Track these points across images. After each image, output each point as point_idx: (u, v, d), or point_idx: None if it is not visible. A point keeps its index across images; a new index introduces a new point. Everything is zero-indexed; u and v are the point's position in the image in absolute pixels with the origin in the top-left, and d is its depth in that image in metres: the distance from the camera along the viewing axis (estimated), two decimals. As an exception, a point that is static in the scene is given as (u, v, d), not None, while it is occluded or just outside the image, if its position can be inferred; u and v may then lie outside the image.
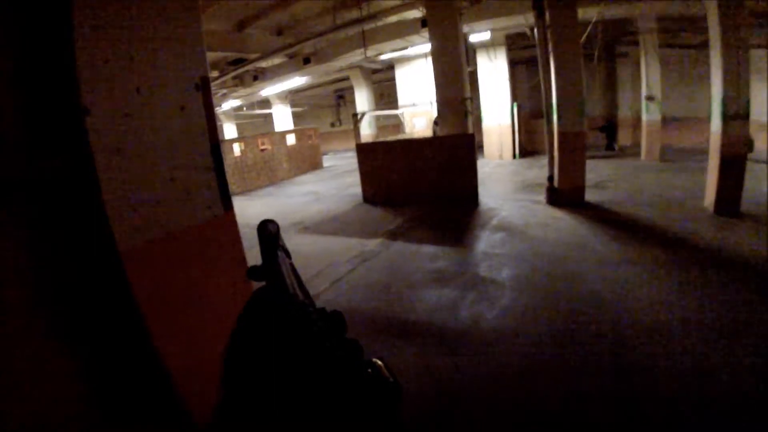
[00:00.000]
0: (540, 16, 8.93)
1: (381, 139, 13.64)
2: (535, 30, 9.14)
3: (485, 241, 7.15)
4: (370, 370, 0.51)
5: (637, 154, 14.74)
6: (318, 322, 0.56)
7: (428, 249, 7.04)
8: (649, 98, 13.58)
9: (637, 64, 16.76)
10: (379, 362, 0.52)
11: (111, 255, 2.15)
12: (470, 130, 10.02)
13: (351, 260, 6.79)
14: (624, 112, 19.07)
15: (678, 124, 16.30)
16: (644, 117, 13.80)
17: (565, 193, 9.21)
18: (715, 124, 7.56)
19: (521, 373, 3.63)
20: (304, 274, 6.07)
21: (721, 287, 4.80)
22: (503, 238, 7.24)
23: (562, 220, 8.09)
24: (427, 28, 11.08)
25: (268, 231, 0.79)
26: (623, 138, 18.17)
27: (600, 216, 8.07)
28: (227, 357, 0.55)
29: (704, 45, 15.19)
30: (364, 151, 11.26)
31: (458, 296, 5.19)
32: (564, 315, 4.51)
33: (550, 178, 9.47)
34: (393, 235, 8.03)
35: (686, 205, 8.20)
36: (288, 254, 0.80)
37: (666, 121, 14.62)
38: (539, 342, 4.05)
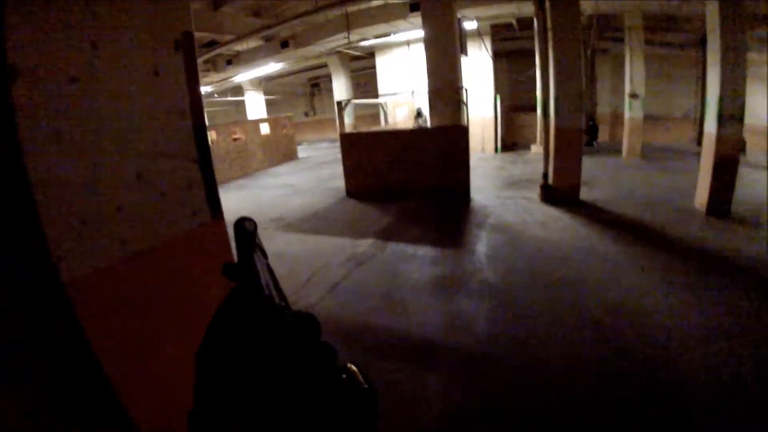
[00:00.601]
0: (540, 4, 8.42)
1: (361, 129, 12.95)
2: (535, 19, 8.71)
3: (485, 243, 6.63)
4: (344, 376, 0.52)
5: (617, 151, 14.66)
6: (293, 325, 0.56)
7: (426, 251, 6.46)
8: (633, 96, 13.51)
9: (617, 61, 16.77)
10: (353, 368, 0.54)
11: (54, 287, 1.47)
12: (464, 122, 9.44)
13: (344, 264, 6.13)
14: (602, 109, 18.94)
15: (654, 122, 16.24)
16: (627, 114, 13.70)
17: (559, 191, 8.85)
18: (710, 124, 7.45)
19: (572, 408, 3.07)
20: (294, 279, 5.58)
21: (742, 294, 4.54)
22: (503, 239, 6.77)
23: (560, 219, 7.71)
24: (416, 13, 10.49)
25: (245, 229, 0.79)
26: (601, 135, 17.99)
27: (597, 216, 7.77)
28: (201, 358, 0.55)
29: (685, 45, 15.59)
30: (349, 142, 10.55)
31: (470, 308, 4.65)
32: (590, 328, 4.09)
33: (545, 175, 9.09)
34: (385, 235, 7.41)
35: (678, 205, 8.05)
36: (264, 254, 0.79)
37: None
38: (579, 368, 3.51)
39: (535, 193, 9.48)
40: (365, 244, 6.93)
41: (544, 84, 8.83)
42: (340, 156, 10.68)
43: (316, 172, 15.56)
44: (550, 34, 8.39)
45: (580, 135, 8.70)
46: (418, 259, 6.13)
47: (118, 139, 1.65)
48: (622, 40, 14.32)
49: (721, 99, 7.04)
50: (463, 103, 9.30)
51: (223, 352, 0.55)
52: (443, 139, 9.37)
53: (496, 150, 16.55)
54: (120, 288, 1.67)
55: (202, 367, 0.55)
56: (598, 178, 10.62)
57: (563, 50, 8.33)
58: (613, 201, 8.58)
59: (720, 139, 7.17)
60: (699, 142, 15.28)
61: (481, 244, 6.56)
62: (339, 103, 10.96)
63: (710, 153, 7.37)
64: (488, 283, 5.21)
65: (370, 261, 6.16)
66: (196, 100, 1.91)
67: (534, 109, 16.56)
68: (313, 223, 8.61)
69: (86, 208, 1.54)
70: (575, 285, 5.01)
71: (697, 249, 5.91)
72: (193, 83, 1.89)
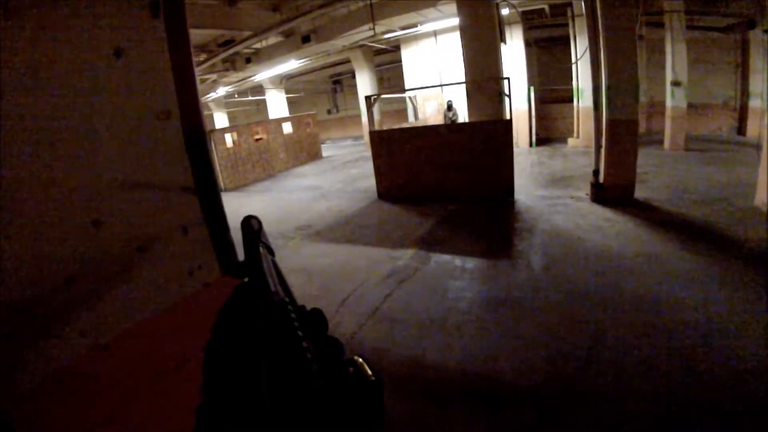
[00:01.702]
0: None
1: (388, 126, 12.21)
2: (582, 1, 7.82)
3: (540, 253, 5.86)
4: (351, 369, 0.49)
5: (656, 142, 13.63)
6: (298, 320, 0.53)
7: (475, 264, 5.71)
8: (675, 83, 12.56)
9: (652, 48, 15.74)
10: (360, 360, 0.50)
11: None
12: (506, 116, 8.62)
13: (383, 281, 5.41)
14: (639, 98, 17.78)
15: (693, 110, 15.17)
16: (669, 103, 12.73)
17: (612, 190, 7.98)
18: None
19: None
20: (326, 301, 4.93)
21: None
22: (558, 248, 5.98)
23: (616, 223, 6.86)
24: (445, 0, 9.70)
25: (251, 226, 0.80)
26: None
27: (656, 218, 6.90)
28: (208, 355, 0.54)
29: (725, 28, 14.58)
30: (379, 140, 9.75)
31: (535, 338, 3.89)
32: (678, 363, 3.34)
33: (596, 173, 8.23)
34: (427, 244, 6.67)
35: (737, 203, 7.17)
36: (271, 251, 0.78)
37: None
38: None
39: (582, 192, 8.67)
40: (405, 256, 6.20)
41: (594, 70, 7.96)
42: (366, 154, 10.03)
43: (342, 172, 14.88)
44: (600, 18, 7.54)
45: (635, 127, 7.84)
46: (467, 274, 5.38)
47: (59, 165, 0.95)
48: (658, 25, 13.54)
49: None
50: (505, 95, 8.47)
51: (231, 348, 0.52)
52: (484, 134, 8.54)
53: (531, 144, 15.68)
54: (68, 409, 0.97)
55: (210, 364, 0.52)
56: (646, 173, 9.65)
57: (615, 35, 7.47)
58: (668, 199, 7.74)
59: None
60: (740, 131, 14.40)
61: (536, 255, 5.78)
62: (368, 98, 10.16)
63: None
64: (551, 304, 4.46)
65: (413, 277, 5.43)
66: (188, 95, 1.20)
67: (569, 100, 15.64)
68: (345, 230, 7.92)
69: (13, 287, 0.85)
70: (651, 306, 4.26)
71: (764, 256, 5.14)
72: (184, 68, 1.18)
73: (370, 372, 0.49)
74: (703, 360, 3.36)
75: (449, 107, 13.74)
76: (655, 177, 9.41)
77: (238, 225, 1.41)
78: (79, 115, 1.01)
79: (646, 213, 7.17)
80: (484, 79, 8.72)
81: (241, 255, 0.93)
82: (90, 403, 1.05)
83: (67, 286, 1.00)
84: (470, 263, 5.72)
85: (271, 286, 0.60)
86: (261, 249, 0.75)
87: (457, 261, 5.84)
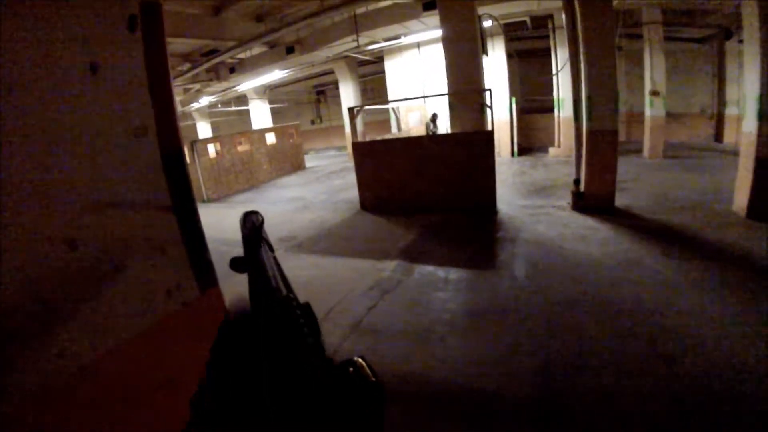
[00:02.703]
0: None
1: (371, 137, 12.21)
2: (563, 15, 8.01)
3: (523, 262, 5.88)
4: (351, 369, 0.49)
5: (635, 150, 13.94)
6: (302, 317, 0.55)
7: (459, 275, 5.70)
8: (654, 93, 12.84)
9: (631, 58, 16.13)
10: (361, 360, 0.50)
11: None
12: (488, 127, 8.68)
13: (366, 293, 5.37)
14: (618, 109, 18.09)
15: (671, 119, 15.51)
16: (648, 113, 13.00)
17: (593, 199, 8.08)
18: (749, 123, 6.90)
19: None
20: (310, 314, 4.74)
21: None
22: (542, 258, 6.01)
23: (598, 230, 6.94)
24: (429, 12, 9.82)
25: (251, 222, 0.87)
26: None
27: (636, 225, 7.03)
28: (213, 351, 0.60)
29: (701, 39, 14.95)
30: (362, 152, 9.75)
31: (520, 348, 3.90)
32: (664, 370, 3.35)
33: (576, 182, 8.35)
34: (410, 255, 6.65)
35: (715, 208, 7.41)
36: (271, 247, 0.80)
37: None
38: None
39: (564, 201, 8.76)
40: (389, 267, 6.17)
41: (574, 84, 8.11)
42: (349, 165, 10.02)
43: (326, 183, 14.82)
44: (580, 30, 7.68)
45: (615, 137, 7.93)
46: (451, 285, 5.38)
47: (31, 183, 0.93)
48: (637, 36, 13.87)
49: (762, 96, 6.51)
50: (487, 106, 8.54)
51: (235, 347, 0.55)
52: (466, 145, 8.58)
53: (512, 154, 15.81)
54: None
55: (215, 365, 0.55)
56: (626, 181, 9.79)
57: (595, 46, 7.60)
58: (648, 207, 7.88)
59: (761, 138, 6.62)
60: (717, 139, 14.78)
61: (519, 264, 5.80)
62: (351, 110, 10.15)
63: (750, 153, 6.83)
64: (536, 313, 4.47)
65: (397, 289, 5.41)
66: (165, 111, 1.18)
67: (550, 111, 15.86)
68: (328, 242, 7.87)
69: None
70: (635, 312, 4.32)
71: (746, 259, 5.34)
72: (161, 83, 1.17)
73: (370, 373, 0.49)
74: (688, 365, 3.41)
75: (433, 119, 13.81)
76: (635, 185, 9.57)
77: (216, 242, 1.40)
78: (54, 132, 0.99)
79: (627, 220, 7.28)
80: (466, 90, 8.77)
81: (224, 270, 0.92)
82: (71, 427, 1.02)
83: (41, 306, 0.97)
84: (454, 274, 5.72)
85: (272, 282, 0.62)
86: (262, 245, 0.76)
87: (441, 272, 5.83)
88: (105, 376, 1.08)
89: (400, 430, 3.04)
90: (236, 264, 0.80)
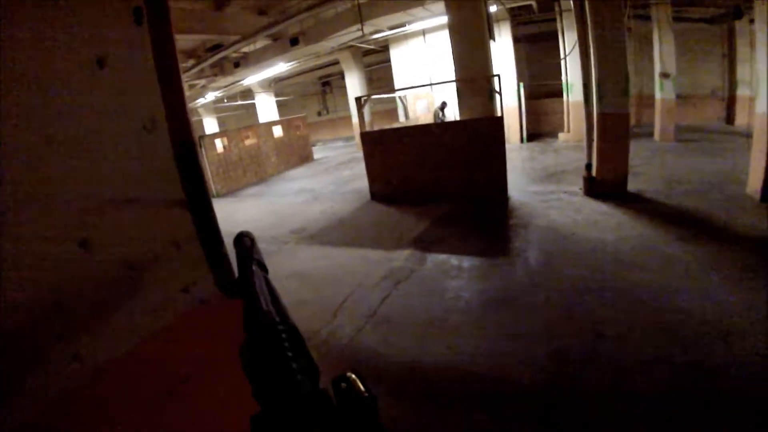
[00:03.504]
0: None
1: (378, 126, 12.13)
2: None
3: (537, 249, 5.84)
4: (344, 385, 0.49)
5: (646, 134, 13.63)
6: (289, 340, 0.55)
7: (472, 263, 5.67)
8: (664, 75, 12.56)
9: (639, 40, 15.86)
10: (353, 376, 0.50)
11: None
12: (498, 113, 8.58)
13: (379, 283, 5.35)
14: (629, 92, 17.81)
15: (681, 101, 15.25)
16: (658, 95, 12.74)
17: (605, 183, 7.98)
18: (762, 105, 6.73)
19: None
20: (323, 306, 4.88)
21: None
22: (555, 244, 5.96)
23: (611, 216, 6.84)
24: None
25: (243, 244, 0.84)
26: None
27: (649, 210, 6.89)
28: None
29: (711, 19, 14.63)
30: (371, 141, 9.70)
31: (536, 335, 3.86)
32: (680, 357, 3.29)
33: (588, 166, 8.21)
34: (422, 244, 6.62)
35: (729, 192, 7.20)
36: (264, 268, 0.80)
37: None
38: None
39: (576, 186, 8.63)
40: (401, 257, 6.15)
41: (584, 67, 7.98)
42: (357, 155, 9.97)
43: (334, 174, 14.80)
44: (588, 12, 7.53)
45: (627, 120, 7.83)
46: (464, 274, 5.35)
47: (41, 183, 0.90)
48: (645, 18, 13.56)
49: None
50: (496, 92, 8.44)
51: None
52: (475, 132, 8.48)
53: (522, 140, 15.65)
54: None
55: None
56: (637, 165, 9.64)
57: (604, 28, 7.46)
58: (662, 191, 7.74)
59: None
60: (729, 121, 14.48)
61: (533, 251, 5.75)
62: (358, 99, 10.07)
63: (763, 135, 6.64)
64: (550, 301, 4.43)
65: (410, 278, 5.39)
66: (175, 103, 1.15)
67: (559, 95, 15.65)
68: (339, 232, 7.87)
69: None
70: (649, 298, 4.26)
71: (762, 243, 5.20)
72: (170, 75, 1.13)
73: (363, 388, 0.49)
74: (706, 352, 3.34)
75: (442, 107, 13.69)
76: (647, 169, 9.41)
77: (232, 233, 1.38)
78: (61, 128, 0.96)
79: (640, 205, 7.16)
80: (474, 76, 8.67)
81: (236, 269, 0.89)
82: (91, 430, 1.01)
83: (56, 310, 0.95)
84: (467, 262, 5.69)
85: (263, 305, 0.62)
86: (254, 267, 0.76)
87: (454, 260, 5.80)
88: (122, 378, 1.07)
89: (416, 419, 3.03)
90: (229, 288, 0.83)
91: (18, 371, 0.89)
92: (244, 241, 0.89)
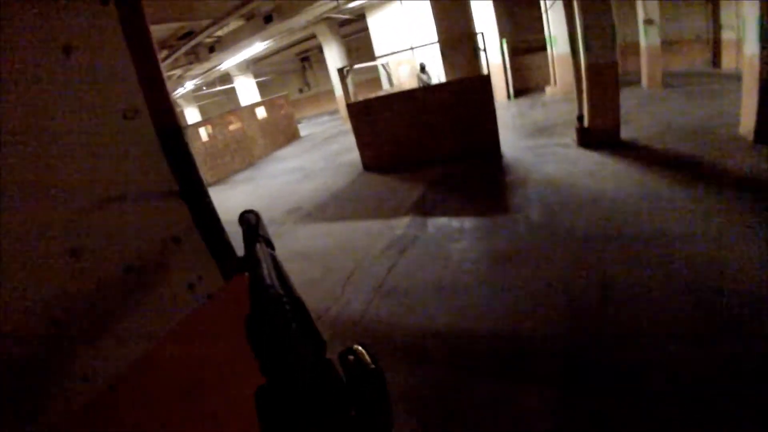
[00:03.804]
0: None
1: (363, 97, 11.90)
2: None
3: (538, 204, 5.79)
4: (351, 357, 0.49)
5: (633, 82, 13.44)
6: (295, 313, 0.54)
7: (473, 223, 5.65)
8: (648, 22, 12.31)
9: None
10: (360, 348, 0.50)
11: None
12: (484, 71, 8.42)
13: (384, 253, 5.31)
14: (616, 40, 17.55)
15: (667, 47, 15.06)
16: (643, 42, 12.57)
17: (597, 134, 7.93)
18: (751, 47, 6.58)
19: None
20: (331, 281, 4.85)
21: None
22: (554, 197, 5.92)
23: (607, 165, 6.80)
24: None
25: (247, 221, 0.86)
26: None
27: (644, 156, 6.84)
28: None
29: None
30: (358, 112, 9.54)
31: (545, 291, 3.83)
32: (691, 298, 3.28)
33: (580, 118, 8.15)
34: (422, 209, 6.57)
35: (722, 134, 7.10)
36: (271, 245, 0.80)
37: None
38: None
39: (569, 138, 8.56)
40: (402, 225, 6.10)
41: (568, 18, 7.82)
42: (344, 128, 9.83)
43: (323, 149, 14.62)
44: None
45: (615, 70, 7.70)
46: (467, 234, 5.32)
47: (18, 189, 0.81)
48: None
49: (762, 17, 6.19)
50: (481, 50, 8.26)
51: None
52: (463, 92, 8.35)
53: (509, 97, 15.51)
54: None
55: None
56: (628, 113, 9.50)
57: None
58: (655, 137, 7.65)
59: (765, 60, 6.30)
60: (715, 64, 14.32)
61: (533, 206, 5.71)
62: (341, 71, 9.86)
63: (754, 76, 6.53)
64: (556, 254, 4.41)
65: (414, 245, 5.35)
66: (155, 87, 1.05)
67: (543, 49, 15.39)
68: (336, 207, 7.78)
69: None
70: (652, 242, 4.24)
71: (758, 181, 5.14)
72: (147, 60, 1.03)
73: (369, 360, 0.49)
74: (711, 291, 3.35)
75: (422, 69, 13.47)
76: (638, 116, 9.32)
77: (228, 223, 1.30)
78: (33, 127, 0.87)
79: (635, 152, 7.11)
80: (457, 35, 8.47)
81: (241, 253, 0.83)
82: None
83: (54, 330, 0.87)
84: (468, 223, 5.65)
85: (267, 279, 0.61)
86: (259, 243, 0.77)
87: (455, 223, 5.76)
88: (135, 387, 1.00)
89: (435, 386, 3.01)
90: (235, 265, 0.80)
91: (22, 400, 0.82)
92: (249, 218, 0.89)
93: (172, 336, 1.08)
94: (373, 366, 0.50)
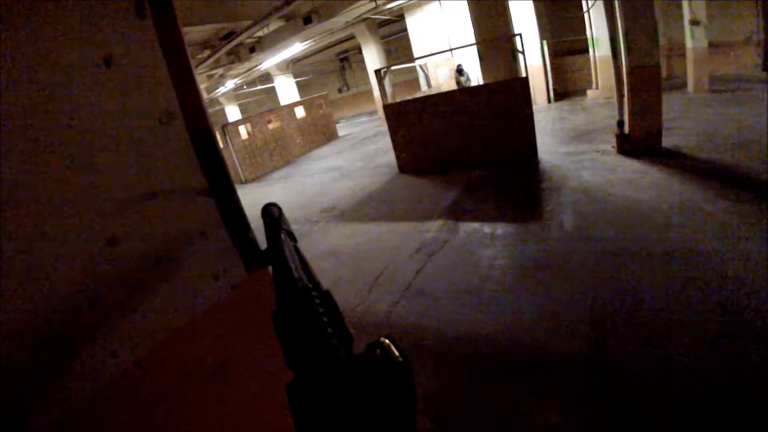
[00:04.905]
0: None
1: (401, 98, 11.95)
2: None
3: (570, 212, 5.69)
4: (378, 350, 0.49)
5: (678, 86, 12.95)
6: (322, 305, 0.55)
7: (505, 229, 5.60)
8: (694, 23, 11.76)
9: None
10: (387, 341, 0.50)
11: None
12: (522, 74, 8.33)
13: (413, 256, 5.35)
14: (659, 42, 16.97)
15: (713, 49, 14.38)
16: (689, 44, 11.98)
17: (638, 140, 7.68)
18: None
19: None
20: (359, 282, 4.89)
21: None
22: (589, 205, 5.79)
23: (646, 174, 6.57)
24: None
25: (271, 214, 0.84)
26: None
27: (686, 166, 6.55)
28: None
29: None
30: (395, 113, 9.60)
31: (573, 301, 3.78)
32: (725, 319, 3.16)
33: (620, 124, 7.90)
34: (454, 213, 6.57)
35: None
36: (293, 237, 0.80)
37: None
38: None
39: (608, 145, 8.34)
40: (433, 228, 6.12)
41: (609, 19, 7.60)
42: (382, 129, 9.87)
43: (360, 149, 14.77)
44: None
45: (658, 72, 7.46)
46: (498, 241, 5.28)
47: (63, 184, 0.90)
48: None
49: None
50: (519, 52, 8.17)
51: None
52: (501, 95, 8.28)
53: (549, 100, 15.24)
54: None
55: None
56: (671, 119, 9.18)
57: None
58: (699, 146, 7.32)
59: None
60: (765, 68, 13.60)
61: (567, 214, 5.61)
62: (378, 72, 9.92)
63: None
64: (588, 265, 4.32)
65: (444, 249, 5.36)
66: (189, 94, 1.13)
67: (585, 51, 15.08)
68: (370, 208, 7.86)
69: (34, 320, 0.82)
70: (688, 259, 4.06)
71: None
72: (181, 66, 1.11)
73: (397, 353, 0.48)
74: (746, 313, 3.21)
75: (460, 71, 13.42)
76: (682, 123, 8.97)
77: (260, 220, 1.36)
78: (79, 131, 0.95)
79: (677, 161, 6.83)
80: (495, 37, 8.41)
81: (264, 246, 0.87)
82: (129, 424, 1.01)
83: (91, 309, 0.95)
84: (500, 229, 5.61)
85: (294, 272, 0.61)
86: (282, 235, 0.77)
87: (486, 228, 5.73)
88: (159, 369, 1.07)
89: (457, 391, 3.02)
90: (258, 258, 0.79)
91: (58, 370, 0.90)
92: (272, 211, 0.89)
93: (197, 322, 1.16)
94: (401, 359, 0.50)
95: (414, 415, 0.50)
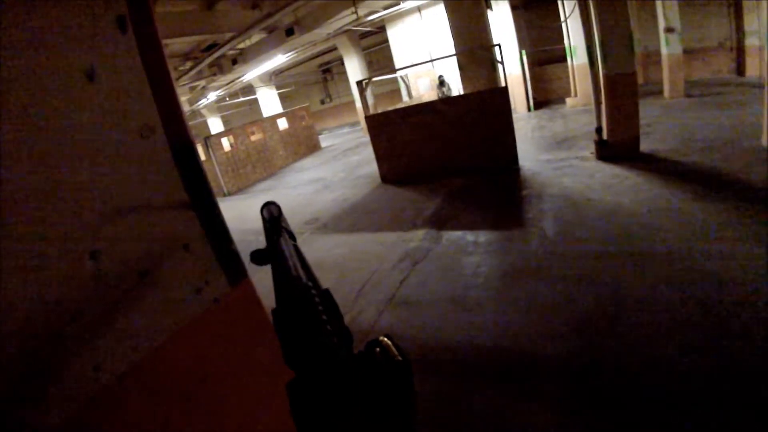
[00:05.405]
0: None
1: (383, 109, 12.01)
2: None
3: (551, 218, 5.77)
4: (378, 349, 0.49)
5: (655, 93, 13.21)
6: (322, 304, 0.54)
7: (488, 237, 5.65)
8: (669, 30, 12.11)
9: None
10: (386, 340, 0.50)
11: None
12: (502, 83, 8.45)
13: (397, 265, 5.36)
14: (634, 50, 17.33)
15: (688, 55, 14.75)
16: (664, 51, 12.31)
17: (617, 146, 7.83)
18: None
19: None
20: (343, 292, 4.88)
21: None
22: (569, 211, 5.88)
23: (625, 178, 6.71)
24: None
25: (270, 213, 0.86)
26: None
27: (664, 169, 6.71)
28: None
29: None
30: (376, 124, 9.64)
31: (555, 306, 3.83)
32: (708, 320, 3.20)
33: (599, 130, 8.08)
34: (437, 222, 6.61)
35: (744, 145, 6.91)
36: (293, 236, 0.80)
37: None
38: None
39: (587, 151, 8.50)
40: (416, 237, 6.14)
41: (585, 28, 7.79)
42: (364, 140, 9.91)
43: (343, 160, 14.78)
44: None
45: (634, 80, 7.64)
46: (481, 248, 5.32)
47: (47, 197, 0.90)
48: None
49: None
50: (498, 62, 8.30)
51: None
52: (481, 105, 8.37)
53: (529, 108, 15.47)
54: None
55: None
56: (649, 124, 9.42)
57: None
58: (675, 149, 7.52)
59: None
60: (739, 72, 14.00)
61: (549, 220, 5.69)
62: (359, 83, 9.99)
63: None
64: (570, 269, 4.38)
65: (427, 257, 5.39)
66: (170, 108, 1.14)
67: (563, 60, 15.36)
68: (353, 218, 7.86)
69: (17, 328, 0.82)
70: (669, 260, 4.15)
71: None
72: (161, 80, 1.12)
73: (396, 352, 0.48)
74: (727, 312, 3.28)
75: (441, 83, 13.55)
76: (658, 128, 9.19)
77: (245, 232, 1.38)
78: (59, 144, 0.96)
79: (654, 165, 7.00)
80: (474, 48, 8.53)
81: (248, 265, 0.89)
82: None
83: (74, 322, 0.96)
84: (482, 237, 5.65)
85: (293, 272, 0.61)
86: (282, 234, 0.77)
87: (469, 236, 5.77)
88: (143, 382, 1.07)
89: (442, 397, 3.04)
90: (257, 257, 0.77)
91: (39, 383, 0.90)
92: (271, 209, 0.90)
93: (180, 335, 1.16)
94: (400, 358, 0.50)
95: (414, 414, 0.50)
